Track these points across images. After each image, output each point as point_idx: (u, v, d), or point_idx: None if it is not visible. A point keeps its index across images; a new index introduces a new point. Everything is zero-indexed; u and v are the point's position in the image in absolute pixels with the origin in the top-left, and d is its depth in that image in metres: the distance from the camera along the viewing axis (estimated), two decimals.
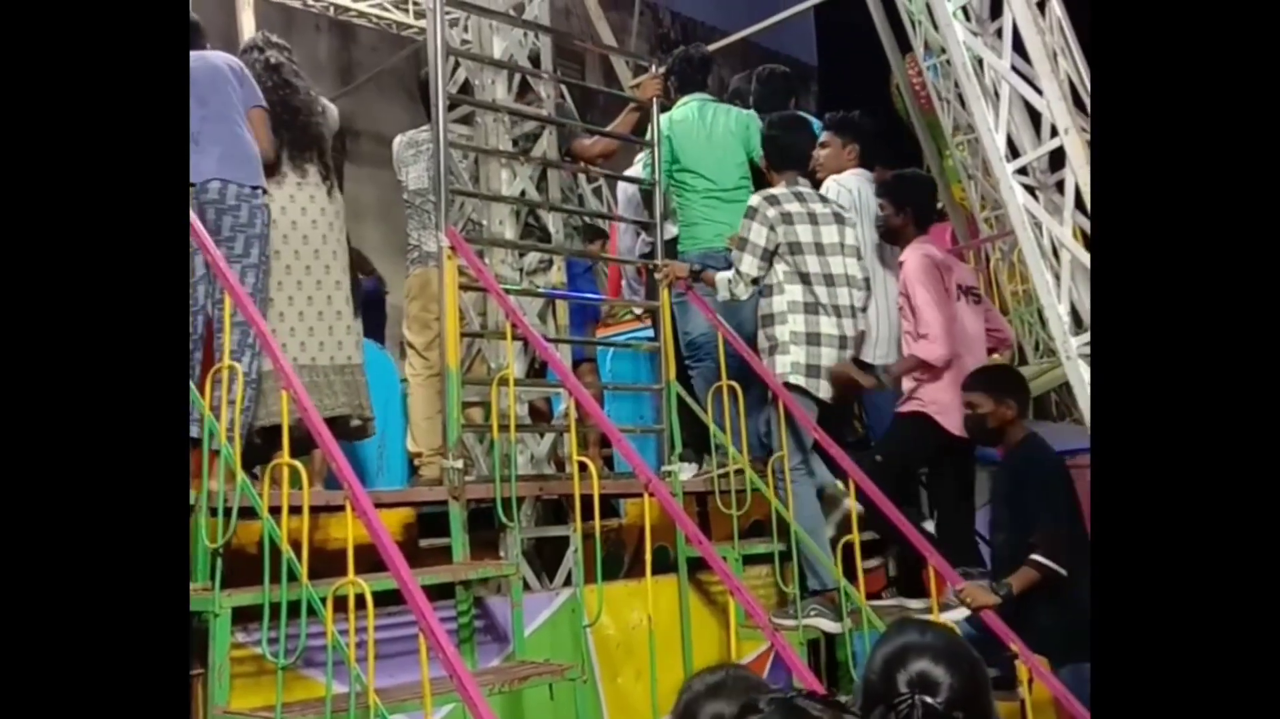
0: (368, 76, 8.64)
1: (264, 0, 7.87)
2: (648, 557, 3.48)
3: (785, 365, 4.30)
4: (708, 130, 4.83)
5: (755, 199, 4.44)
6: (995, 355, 4.99)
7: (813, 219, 4.41)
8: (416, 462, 4.34)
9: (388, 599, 2.79)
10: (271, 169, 3.96)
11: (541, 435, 4.52)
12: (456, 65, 4.67)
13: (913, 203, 4.57)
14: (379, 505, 3.93)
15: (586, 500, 3.48)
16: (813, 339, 4.31)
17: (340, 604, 2.66)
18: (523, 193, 4.62)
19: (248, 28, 7.90)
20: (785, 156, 4.53)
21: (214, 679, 2.93)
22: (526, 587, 4.10)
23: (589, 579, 3.87)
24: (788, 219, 4.36)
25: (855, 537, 3.98)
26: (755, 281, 4.37)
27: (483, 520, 4.00)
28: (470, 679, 2.46)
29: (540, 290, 4.58)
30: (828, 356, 4.33)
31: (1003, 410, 4.13)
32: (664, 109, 4.88)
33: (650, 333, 5.33)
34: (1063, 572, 3.86)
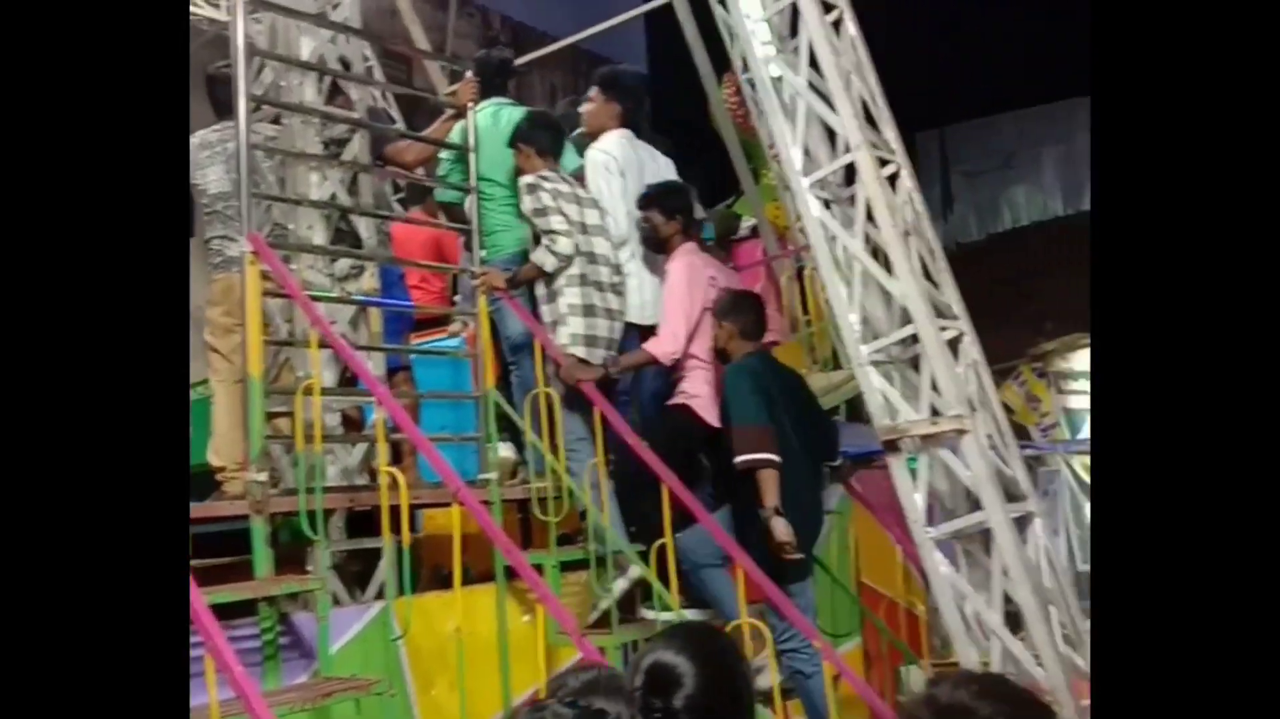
0: None
1: None
2: (456, 567, 3.45)
3: (565, 337, 4.50)
4: (502, 135, 4.81)
5: (528, 178, 4.60)
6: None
7: (577, 200, 4.63)
8: (220, 477, 4.14)
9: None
10: None
11: (352, 446, 4.43)
12: (262, 65, 4.53)
13: (682, 211, 4.78)
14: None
15: (395, 512, 3.42)
16: (589, 310, 4.54)
17: None
18: (333, 196, 4.51)
19: None
20: (541, 147, 4.71)
21: None
22: (336, 601, 4.01)
23: (399, 593, 3.81)
24: (560, 196, 4.55)
25: (668, 539, 4.05)
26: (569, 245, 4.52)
27: (294, 533, 3.91)
28: (260, 700, 2.38)
29: (350, 297, 4.48)
30: (603, 328, 4.57)
31: (725, 331, 4.45)
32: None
33: (457, 342, 5.31)
34: (772, 457, 4.10)
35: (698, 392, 4.63)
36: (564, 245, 4.49)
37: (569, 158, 5.00)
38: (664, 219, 4.74)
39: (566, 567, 4.41)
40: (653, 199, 4.79)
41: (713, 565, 4.28)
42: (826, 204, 4.14)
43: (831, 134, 4.11)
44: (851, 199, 4.07)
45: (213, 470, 4.21)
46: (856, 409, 5.49)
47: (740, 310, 4.50)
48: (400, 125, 6.31)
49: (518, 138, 4.74)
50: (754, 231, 7.41)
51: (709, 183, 5.68)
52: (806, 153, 4.18)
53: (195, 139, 4.41)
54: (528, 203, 4.53)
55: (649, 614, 4.33)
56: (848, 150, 3.95)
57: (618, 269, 4.73)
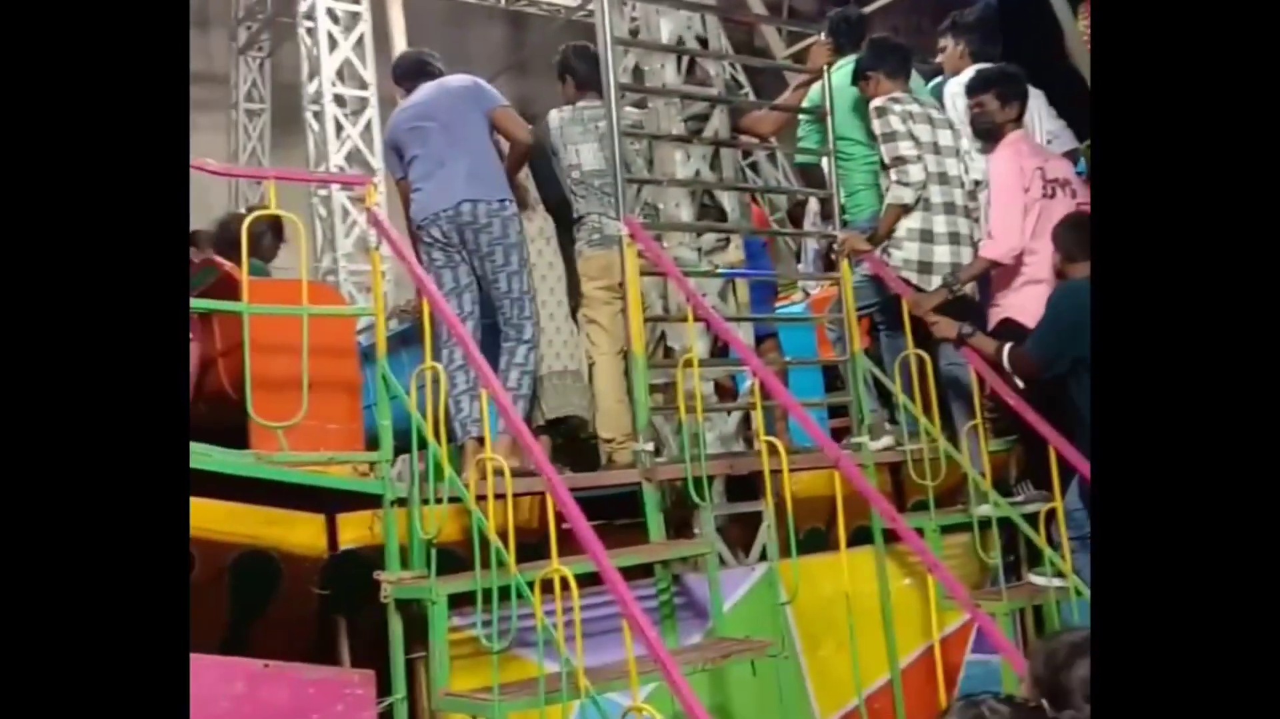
0: (517, 59, 8.82)
1: None
2: (841, 532, 3.48)
3: (899, 261, 4.46)
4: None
5: (877, 101, 4.56)
6: None
7: (929, 120, 4.55)
8: (608, 448, 4.38)
9: (594, 579, 2.90)
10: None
11: (729, 414, 4.57)
12: (626, 52, 4.73)
13: (1018, 98, 4.55)
14: (575, 490, 4.10)
15: (777, 476, 3.52)
16: (926, 235, 4.46)
17: (548, 587, 2.79)
18: (697, 173, 4.65)
19: (397, 24, 8.16)
20: (889, 69, 4.64)
21: (435, 662, 3.12)
22: (722, 562, 4.17)
23: (783, 554, 3.91)
24: (911, 118, 4.49)
25: (1058, 503, 3.87)
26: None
27: (673, 499, 4.10)
28: (672, 661, 2.54)
29: (719, 270, 4.60)
30: (943, 254, 4.47)
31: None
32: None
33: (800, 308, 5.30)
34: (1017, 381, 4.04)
35: (1022, 305, 4.31)
36: (915, 173, 4.44)
37: (917, 86, 4.91)
38: (999, 105, 4.51)
39: (945, 530, 4.33)
40: (990, 82, 4.57)
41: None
42: None
43: None
44: None
45: (600, 440, 4.47)
46: None
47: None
48: (750, 95, 6.40)
49: (863, 67, 4.70)
50: None
51: (1067, 122, 5.30)
52: None
53: (564, 115, 4.60)
54: (877, 126, 4.52)
55: (1039, 580, 4.16)
56: None
57: (973, 193, 4.62)
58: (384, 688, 3.25)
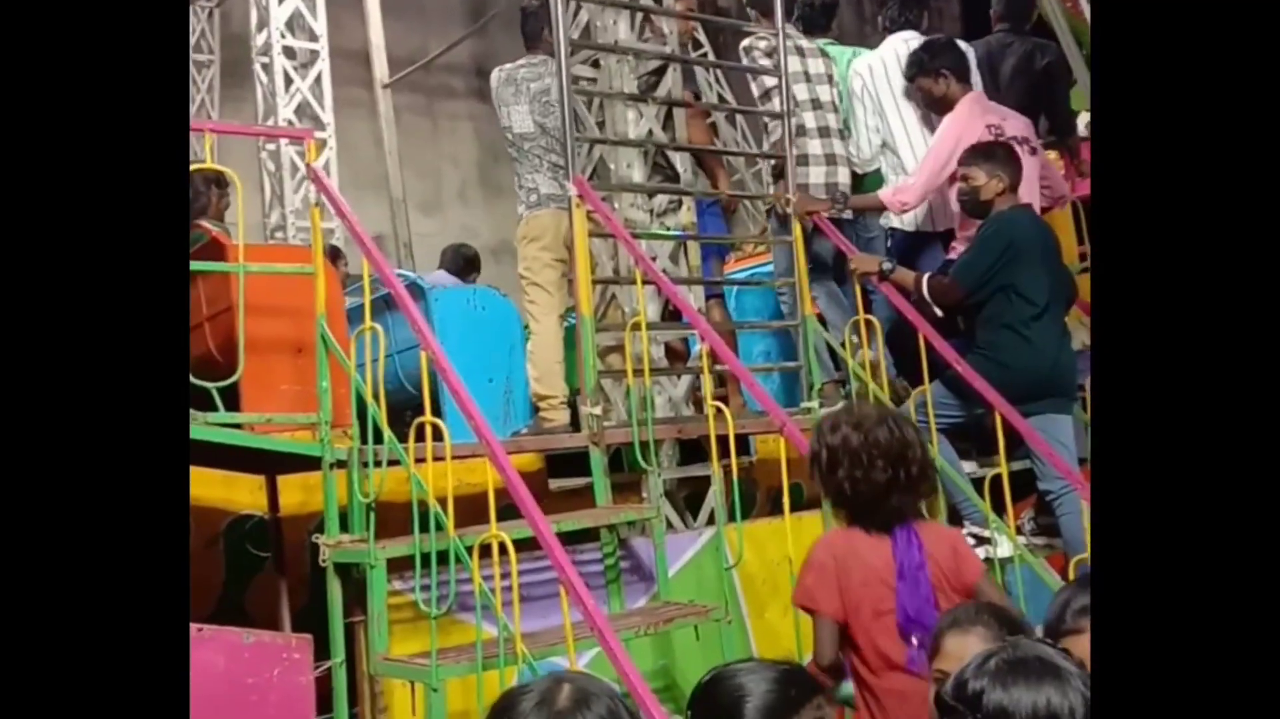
0: (488, 17, 8.68)
1: None
2: (785, 497, 3.48)
3: (810, 177, 4.69)
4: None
5: (745, 42, 4.82)
6: (1054, 210, 4.99)
7: (800, 52, 4.77)
8: (542, 405, 4.32)
9: (535, 544, 2.87)
10: None
11: (678, 377, 4.54)
12: (578, 8, 4.64)
13: (948, 66, 4.62)
14: (519, 452, 4.06)
15: (724, 440, 3.49)
16: (801, 160, 4.67)
17: (487, 551, 2.76)
18: (649, 133, 4.59)
19: None
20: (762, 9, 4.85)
21: (373, 627, 3.08)
22: (670, 527, 4.16)
23: (729, 519, 3.90)
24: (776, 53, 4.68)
25: (1004, 468, 3.88)
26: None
27: (615, 462, 4.07)
28: (608, 627, 2.52)
29: (670, 233, 4.55)
30: (815, 175, 4.71)
31: (994, 183, 4.18)
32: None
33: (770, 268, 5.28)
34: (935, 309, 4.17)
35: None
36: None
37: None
38: (932, 80, 4.63)
39: None
40: (918, 66, 4.67)
41: (945, 427, 4.14)
42: None
43: None
44: None
45: (534, 399, 4.42)
46: None
47: (1010, 161, 4.22)
48: (710, 54, 6.32)
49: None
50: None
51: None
52: None
53: (502, 74, 4.51)
54: (745, 63, 4.74)
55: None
56: None
57: (848, 124, 4.89)
58: (322, 653, 3.21)
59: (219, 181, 4.61)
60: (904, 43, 4.91)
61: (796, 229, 4.57)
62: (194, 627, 2.97)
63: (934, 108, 4.71)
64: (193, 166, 3.64)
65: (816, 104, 4.72)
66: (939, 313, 4.20)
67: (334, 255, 6.37)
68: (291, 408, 3.36)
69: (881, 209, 4.63)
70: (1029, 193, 4.47)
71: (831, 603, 2.47)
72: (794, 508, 3.73)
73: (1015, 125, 4.61)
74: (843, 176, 4.75)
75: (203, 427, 3.14)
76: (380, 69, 8.98)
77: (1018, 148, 4.43)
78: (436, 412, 3.09)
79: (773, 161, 4.79)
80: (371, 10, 8.81)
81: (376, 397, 3.11)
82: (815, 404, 4.47)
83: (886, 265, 4.36)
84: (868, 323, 4.26)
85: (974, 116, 4.48)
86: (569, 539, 3.78)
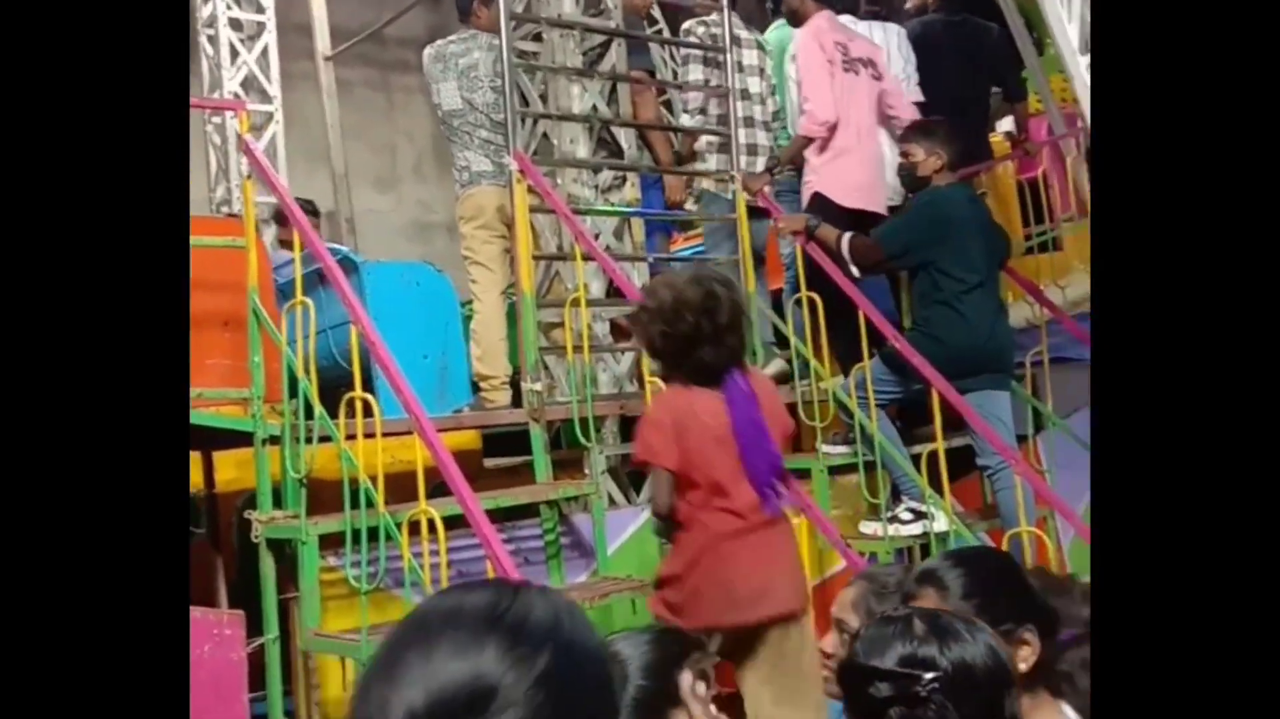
0: None
1: None
2: None
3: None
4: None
5: (686, 24, 4.87)
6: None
7: (738, 42, 4.76)
8: (485, 384, 4.29)
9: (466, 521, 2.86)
10: None
11: (621, 354, 4.54)
12: None
13: None
14: (458, 429, 4.04)
15: None
16: (724, 148, 4.71)
17: (417, 528, 2.75)
18: (594, 109, 4.56)
19: None
20: None
21: (305, 603, 3.07)
22: (613, 503, 4.16)
23: None
24: (712, 39, 4.73)
25: (940, 445, 3.92)
26: None
27: (557, 441, 4.06)
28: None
29: (614, 209, 4.54)
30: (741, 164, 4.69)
31: (932, 160, 4.18)
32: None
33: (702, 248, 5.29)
34: (853, 268, 4.21)
35: (835, 177, 4.53)
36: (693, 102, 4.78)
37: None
38: None
39: (835, 471, 4.37)
40: None
41: (884, 402, 4.17)
42: None
43: None
44: None
45: (476, 379, 4.39)
46: None
47: (949, 139, 4.24)
48: (665, 31, 6.28)
49: None
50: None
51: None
52: None
53: (432, 51, 4.43)
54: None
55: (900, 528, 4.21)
56: None
57: (776, 115, 4.90)
58: (255, 629, 3.19)
59: None
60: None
61: (741, 207, 4.57)
62: None
63: (790, 20, 4.81)
64: None
65: (745, 94, 4.73)
66: (856, 273, 4.25)
67: (313, 211, 6.30)
68: (221, 383, 3.33)
69: (805, 144, 4.59)
70: (867, 118, 4.62)
71: (670, 456, 2.64)
72: None
73: (860, 47, 4.71)
74: (760, 167, 4.76)
75: None
76: (323, 42, 8.85)
77: (863, 68, 4.59)
78: (369, 388, 3.07)
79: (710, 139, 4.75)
80: None
81: (308, 372, 3.09)
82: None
83: (812, 222, 4.40)
84: (810, 299, 4.28)
85: (823, 32, 4.57)
86: (507, 515, 3.79)
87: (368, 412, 2.90)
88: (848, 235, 4.26)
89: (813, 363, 4.28)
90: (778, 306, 4.76)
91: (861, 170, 4.61)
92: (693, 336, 2.65)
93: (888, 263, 4.25)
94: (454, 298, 4.53)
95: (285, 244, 5.76)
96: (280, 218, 6.11)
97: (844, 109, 4.51)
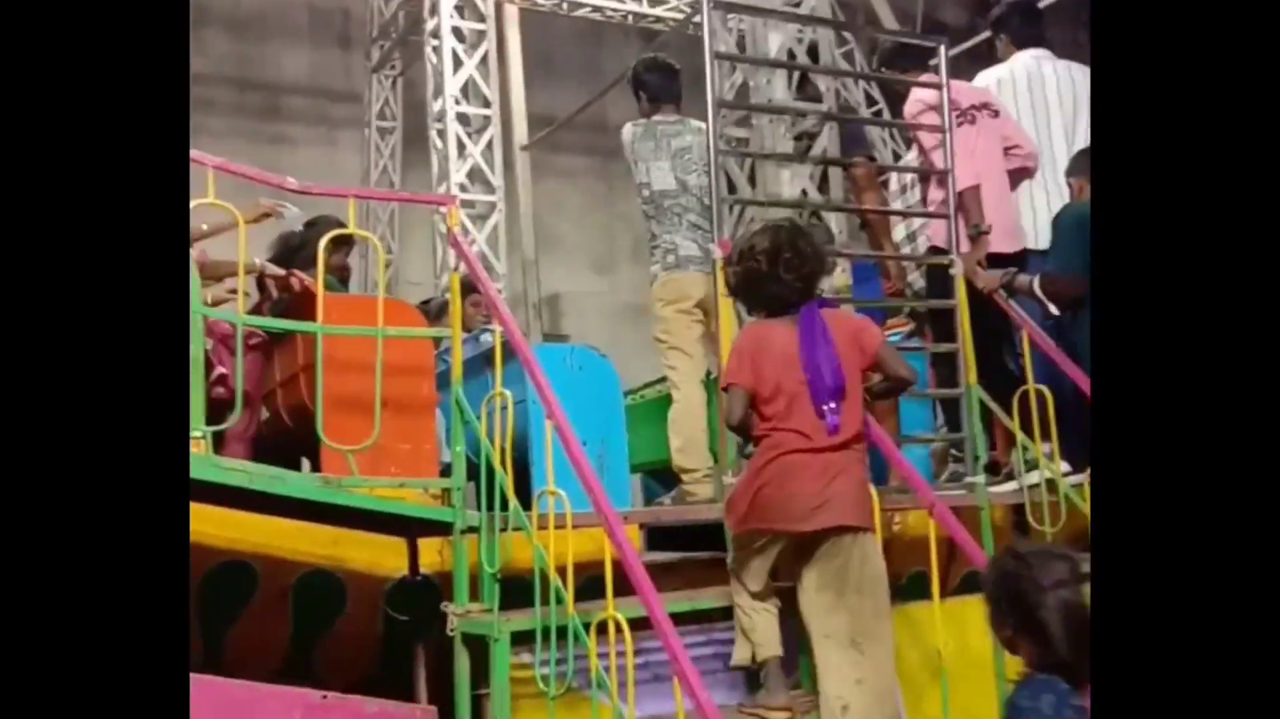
0: (617, 80, 8.75)
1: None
2: (934, 581, 3.22)
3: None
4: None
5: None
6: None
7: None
8: (686, 478, 4.15)
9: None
10: None
11: None
12: (733, 68, 4.57)
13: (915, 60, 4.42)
14: (654, 527, 3.92)
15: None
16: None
17: (605, 628, 2.64)
18: (803, 193, 4.45)
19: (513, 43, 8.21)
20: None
21: (495, 701, 3.00)
22: None
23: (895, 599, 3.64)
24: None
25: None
26: None
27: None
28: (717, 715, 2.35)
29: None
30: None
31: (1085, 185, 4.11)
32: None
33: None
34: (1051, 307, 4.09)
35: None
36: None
37: None
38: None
39: None
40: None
41: None
42: None
43: None
44: None
45: (677, 471, 4.25)
46: None
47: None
48: (886, 114, 6.15)
49: None
50: None
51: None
52: None
53: (638, 129, 4.41)
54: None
55: None
56: None
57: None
58: None
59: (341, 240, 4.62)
60: (1034, 59, 4.67)
61: (961, 292, 4.30)
62: (317, 694, 2.96)
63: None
64: (335, 232, 3.73)
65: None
66: (1055, 310, 4.09)
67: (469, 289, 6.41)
68: (405, 471, 3.36)
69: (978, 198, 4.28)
70: (993, 157, 4.33)
71: (744, 376, 3.05)
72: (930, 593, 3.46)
73: (967, 96, 4.37)
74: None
75: (344, 492, 3.16)
76: (520, 131, 9.18)
77: (978, 114, 4.29)
78: (524, 473, 3.03)
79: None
80: (514, 73, 9.04)
81: (503, 463, 3.06)
82: (981, 479, 4.16)
83: (1009, 273, 4.22)
84: (1039, 393, 3.95)
85: (925, 104, 4.25)
86: (685, 619, 3.62)
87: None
88: (1036, 278, 4.11)
89: (1042, 461, 3.94)
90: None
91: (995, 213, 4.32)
92: (762, 274, 3.08)
93: (1084, 288, 3.95)
94: (617, 383, 4.40)
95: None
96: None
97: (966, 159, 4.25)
